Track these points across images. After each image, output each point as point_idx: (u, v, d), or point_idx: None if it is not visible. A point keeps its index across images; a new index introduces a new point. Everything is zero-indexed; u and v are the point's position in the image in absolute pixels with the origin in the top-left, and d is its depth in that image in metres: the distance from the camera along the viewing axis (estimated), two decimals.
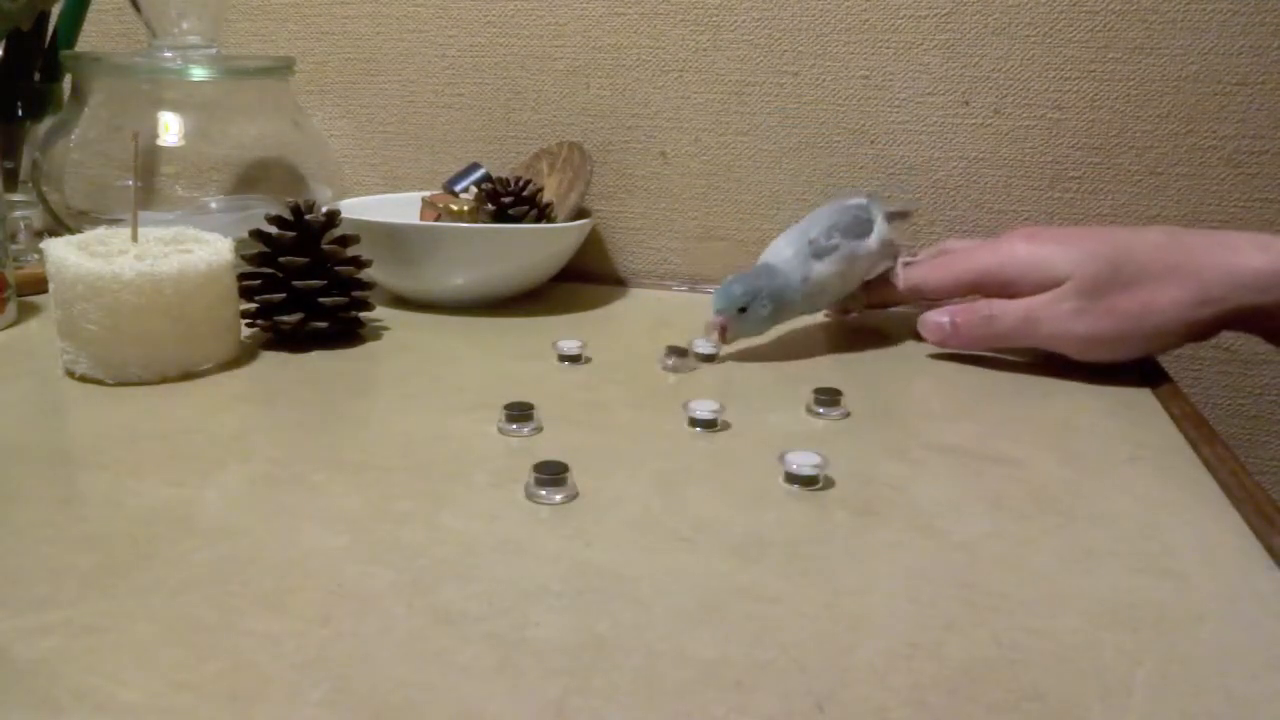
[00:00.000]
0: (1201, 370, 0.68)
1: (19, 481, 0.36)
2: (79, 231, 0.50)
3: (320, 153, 0.71)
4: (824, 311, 0.61)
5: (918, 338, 0.56)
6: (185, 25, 0.65)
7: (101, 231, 0.50)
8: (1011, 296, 0.51)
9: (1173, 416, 0.46)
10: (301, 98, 0.76)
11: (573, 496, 0.36)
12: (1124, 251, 0.49)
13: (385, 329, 0.58)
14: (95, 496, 0.35)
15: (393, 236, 0.59)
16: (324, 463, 0.38)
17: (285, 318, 0.52)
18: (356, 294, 0.55)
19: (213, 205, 0.67)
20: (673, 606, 0.29)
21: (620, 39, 0.71)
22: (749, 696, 0.25)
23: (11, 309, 0.55)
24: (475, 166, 0.71)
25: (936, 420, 0.46)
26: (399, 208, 0.68)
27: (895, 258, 0.57)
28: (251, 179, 0.69)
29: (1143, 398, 0.49)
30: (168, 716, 0.23)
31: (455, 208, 0.66)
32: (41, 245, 0.48)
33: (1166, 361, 0.56)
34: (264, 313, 0.53)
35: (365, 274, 0.56)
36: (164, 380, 0.47)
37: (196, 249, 0.49)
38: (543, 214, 0.63)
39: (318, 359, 0.52)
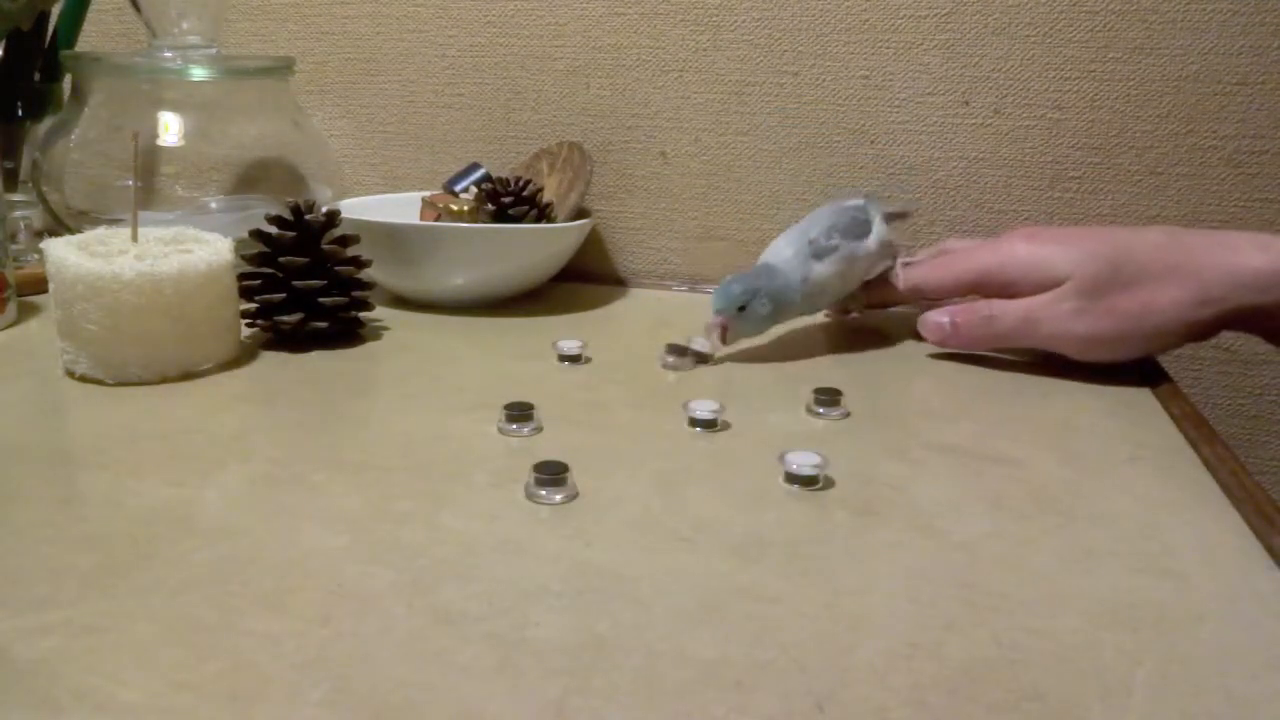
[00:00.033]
0: (1201, 370, 0.68)
1: (19, 481, 0.36)
2: (79, 231, 0.50)
3: (320, 153, 0.71)
4: (824, 311, 0.61)
5: (918, 338, 0.56)
6: (185, 25, 0.65)
7: (101, 231, 0.50)
8: (1011, 296, 0.51)
9: (1173, 416, 0.46)
10: (301, 98, 0.76)
11: (573, 496, 0.36)
12: (1124, 251, 0.49)
13: (385, 329, 0.58)
14: (95, 496, 0.35)
15: (393, 236, 0.59)
16: (324, 463, 0.38)
17: (285, 318, 0.52)
18: (356, 294, 0.55)
19: (213, 205, 0.67)
20: (673, 606, 0.29)
21: (620, 39, 0.71)
22: (749, 696, 0.25)
23: (11, 309, 0.55)
24: (475, 166, 0.71)
25: (936, 420, 0.46)
26: (399, 208, 0.68)
27: (895, 258, 0.57)
28: (251, 179, 0.69)
29: (1143, 398, 0.49)
30: (168, 716, 0.23)
31: (455, 208, 0.66)
32: (41, 245, 0.48)
33: (1166, 361, 0.56)
34: (264, 313, 0.53)
35: (365, 274, 0.56)
36: (164, 380, 0.47)
37: (196, 249, 0.49)
38: (543, 214, 0.63)
39: (318, 359, 0.52)
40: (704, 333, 0.52)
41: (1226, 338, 0.66)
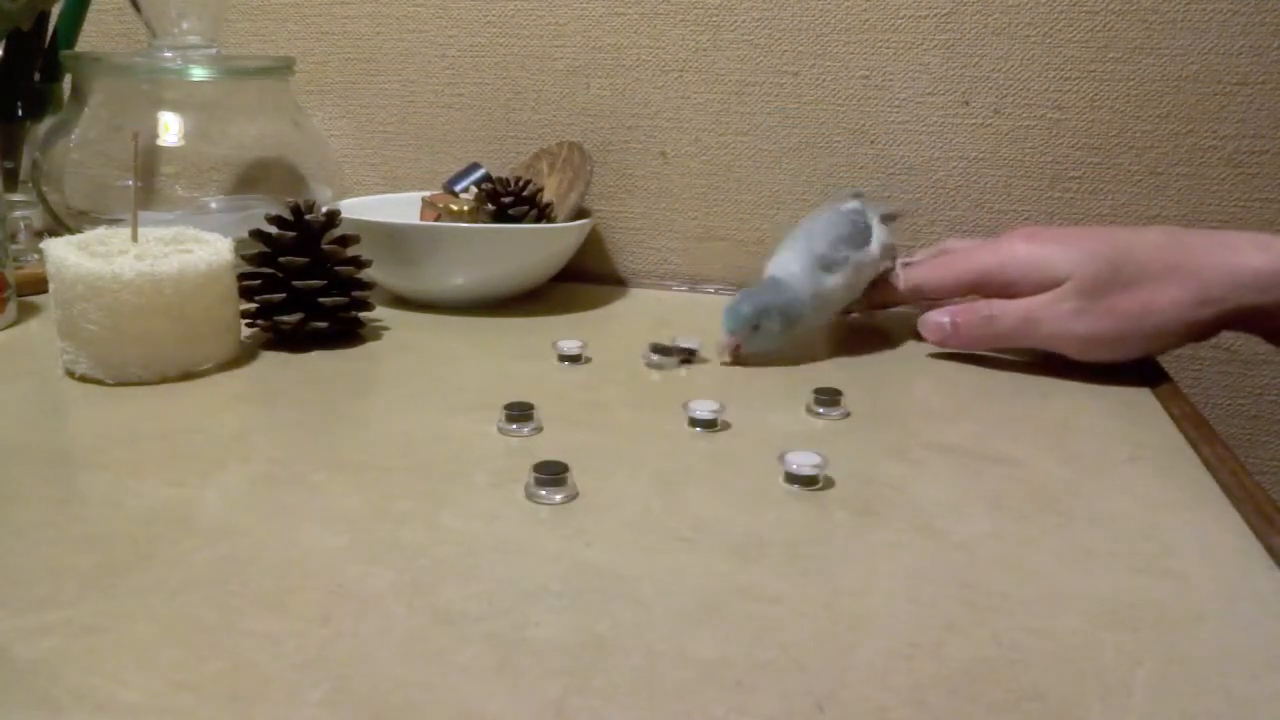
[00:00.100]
0: (1201, 370, 0.68)
1: (19, 481, 0.36)
2: (79, 231, 0.50)
3: (320, 153, 0.71)
4: None
5: (918, 338, 0.56)
6: (185, 25, 0.65)
7: (101, 231, 0.50)
8: (1011, 296, 0.51)
9: (1173, 416, 0.46)
10: (301, 98, 0.76)
11: (573, 496, 0.36)
12: (1124, 251, 0.49)
13: (385, 329, 0.58)
14: (95, 496, 0.35)
15: (393, 236, 0.59)
16: (324, 463, 0.38)
17: (285, 318, 0.52)
18: (356, 294, 0.55)
19: (213, 205, 0.67)
20: (673, 606, 0.29)
21: (620, 39, 0.71)
22: (749, 696, 0.25)
23: (11, 309, 0.55)
24: (475, 166, 0.71)
25: (936, 420, 0.46)
26: (399, 208, 0.68)
27: (894, 258, 0.57)
28: (251, 179, 0.69)
29: (1143, 398, 0.49)
30: (168, 716, 0.23)
31: (455, 208, 0.66)
32: (41, 245, 0.48)
33: (1166, 361, 0.56)
34: (264, 313, 0.53)
35: (365, 274, 0.56)
36: (164, 380, 0.47)
37: (196, 249, 0.49)
38: (543, 214, 0.63)
39: (318, 359, 0.52)
40: (718, 353, 0.52)
41: (1226, 338, 0.66)
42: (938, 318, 0.54)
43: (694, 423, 0.43)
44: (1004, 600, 0.29)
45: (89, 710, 0.23)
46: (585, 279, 0.73)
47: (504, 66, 0.74)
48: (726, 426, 0.43)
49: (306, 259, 0.53)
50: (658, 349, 0.52)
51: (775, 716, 0.24)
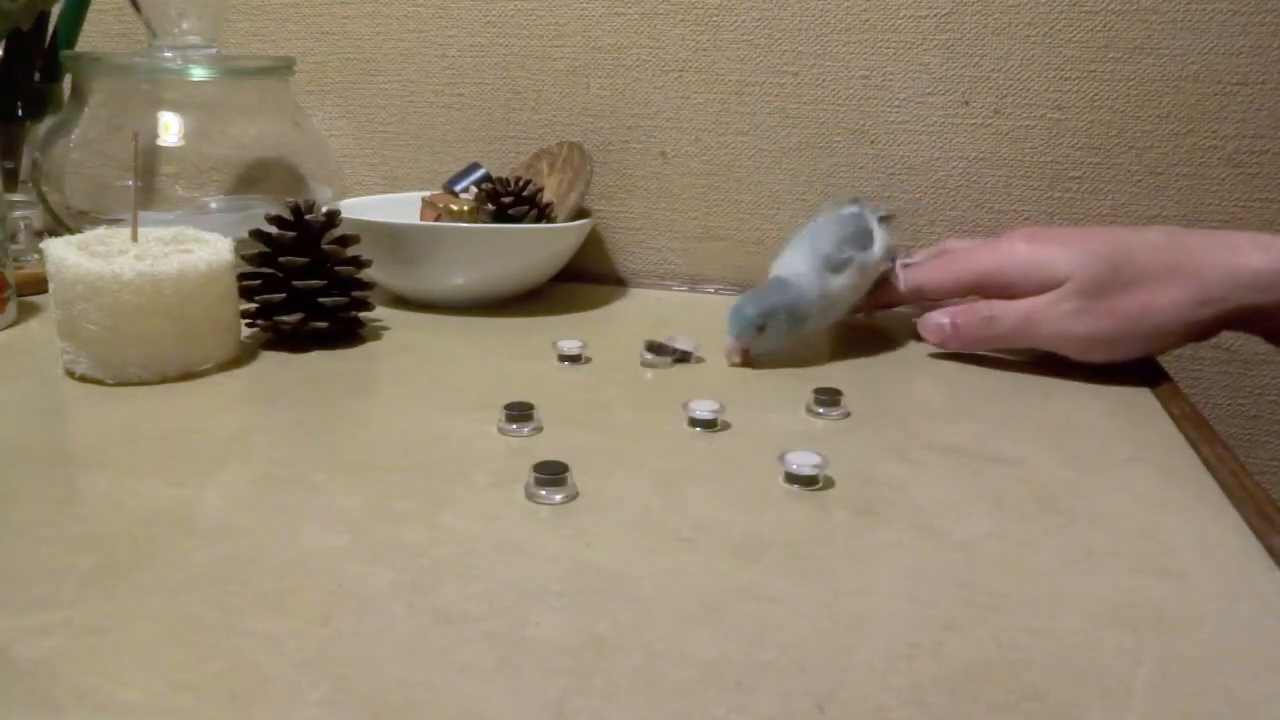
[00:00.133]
0: (1201, 370, 0.68)
1: (19, 481, 0.36)
2: (79, 231, 0.50)
3: (320, 153, 0.71)
4: None
5: (918, 338, 0.56)
6: (185, 25, 0.65)
7: (101, 231, 0.50)
8: (1012, 297, 0.51)
9: (1173, 416, 0.46)
10: (301, 98, 0.76)
11: (573, 496, 0.36)
12: (1124, 252, 0.49)
13: (385, 329, 0.58)
14: (95, 496, 0.35)
15: (393, 236, 0.59)
16: (324, 463, 0.38)
17: (285, 318, 0.52)
18: (356, 294, 0.55)
19: (213, 205, 0.67)
20: (673, 606, 0.29)
21: (620, 39, 0.71)
22: (749, 696, 0.25)
23: (11, 309, 0.55)
24: (475, 166, 0.71)
25: (936, 420, 0.46)
26: (399, 208, 0.68)
27: (894, 259, 0.57)
28: (251, 179, 0.69)
29: (1143, 398, 0.49)
30: (168, 716, 0.23)
31: (455, 208, 0.66)
32: (41, 245, 0.48)
33: (1166, 361, 0.56)
34: (264, 313, 0.53)
35: (365, 274, 0.56)
36: (164, 380, 0.47)
37: (196, 249, 0.49)
38: (543, 214, 0.63)
39: (318, 359, 0.52)
40: (725, 357, 0.52)
41: (1226, 338, 0.66)
42: (938, 319, 0.54)
43: (694, 423, 0.43)
44: (1004, 600, 0.29)
45: (89, 710, 0.23)
46: (585, 279, 0.73)
47: (504, 66, 0.74)
48: (726, 426, 0.43)
49: (306, 259, 0.53)
50: (652, 347, 0.53)
51: (775, 716, 0.24)
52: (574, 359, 0.52)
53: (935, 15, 0.65)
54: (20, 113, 0.71)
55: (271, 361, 0.51)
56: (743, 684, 0.25)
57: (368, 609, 0.28)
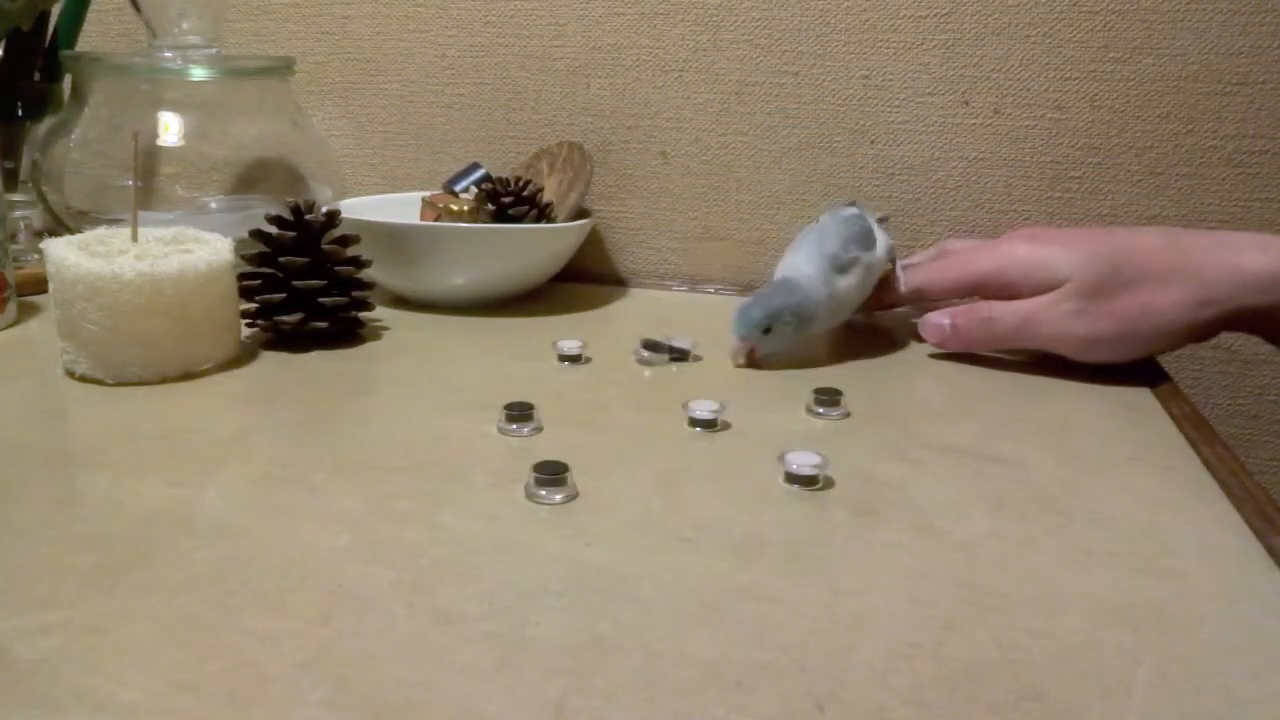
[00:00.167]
0: (1201, 370, 0.68)
1: (19, 481, 0.36)
2: (79, 231, 0.50)
3: (320, 153, 0.71)
4: None
5: (918, 338, 0.56)
6: (185, 25, 0.65)
7: (101, 231, 0.50)
8: (1012, 298, 0.51)
9: (1173, 416, 0.46)
10: (301, 98, 0.76)
11: (573, 496, 0.36)
12: (1124, 253, 0.49)
13: (385, 329, 0.58)
14: (95, 496, 0.35)
15: (393, 236, 0.59)
16: (324, 463, 0.38)
17: (285, 318, 0.52)
18: (356, 294, 0.55)
19: (213, 205, 0.67)
20: (673, 606, 0.29)
21: (620, 39, 0.71)
22: (749, 696, 0.25)
23: (11, 309, 0.55)
24: (475, 166, 0.71)
25: (936, 420, 0.46)
26: (399, 208, 0.68)
27: (894, 260, 0.57)
28: (251, 179, 0.69)
29: (1143, 398, 0.49)
30: (168, 716, 0.23)
31: (455, 208, 0.66)
32: (41, 245, 0.48)
33: (1166, 361, 0.56)
34: (264, 313, 0.53)
35: (365, 274, 0.56)
36: (164, 380, 0.47)
37: (196, 249, 0.49)
38: (543, 214, 0.63)
39: (318, 359, 0.52)
40: (731, 358, 0.52)
41: (1226, 338, 0.66)
42: (937, 319, 0.54)
43: (694, 423, 0.43)
44: (1004, 600, 0.29)
45: (89, 710, 0.23)
46: (585, 279, 0.73)
47: (504, 66, 0.74)
48: (726, 426, 0.43)
49: (306, 259, 0.53)
50: (649, 345, 0.53)
51: (775, 716, 0.24)
52: (574, 359, 0.52)
53: (935, 15, 0.65)
54: (20, 113, 0.71)
55: (271, 361, 0.51)
56: (743, 684, 0.25)
57: (368, 609, 0.28)
